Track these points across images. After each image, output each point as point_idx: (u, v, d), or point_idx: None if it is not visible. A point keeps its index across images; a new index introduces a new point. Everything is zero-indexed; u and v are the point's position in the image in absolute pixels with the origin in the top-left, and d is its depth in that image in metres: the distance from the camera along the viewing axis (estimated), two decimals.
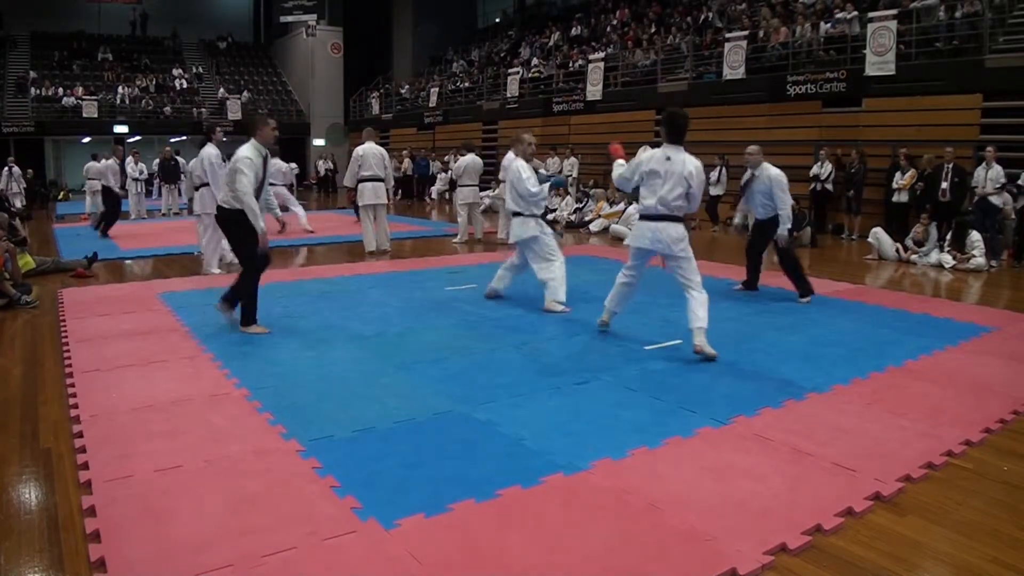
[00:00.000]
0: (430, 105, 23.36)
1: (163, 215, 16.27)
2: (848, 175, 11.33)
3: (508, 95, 19.97)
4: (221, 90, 28.57)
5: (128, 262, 9.42)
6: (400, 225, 13.03)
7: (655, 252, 4.85)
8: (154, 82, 27.99)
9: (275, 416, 3.69)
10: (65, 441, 3.46)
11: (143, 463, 3.14)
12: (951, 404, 3.94)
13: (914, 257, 9.15)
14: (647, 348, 4.98)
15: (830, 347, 5.06)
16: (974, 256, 8.69)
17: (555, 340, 5.25)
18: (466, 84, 22.94)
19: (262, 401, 3.91)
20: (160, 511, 2.73)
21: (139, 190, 15.86)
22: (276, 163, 11.81)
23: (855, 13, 12.61)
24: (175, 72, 29.10)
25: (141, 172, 15.98)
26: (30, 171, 18.94)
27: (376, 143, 9.89)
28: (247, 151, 5.23)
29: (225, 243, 8.20)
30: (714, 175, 12.91)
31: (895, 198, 10.58)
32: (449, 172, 17.71)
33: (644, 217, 4.87)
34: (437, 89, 23.41)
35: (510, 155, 6.41)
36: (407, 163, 21.27)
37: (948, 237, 9.10)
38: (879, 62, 11.55)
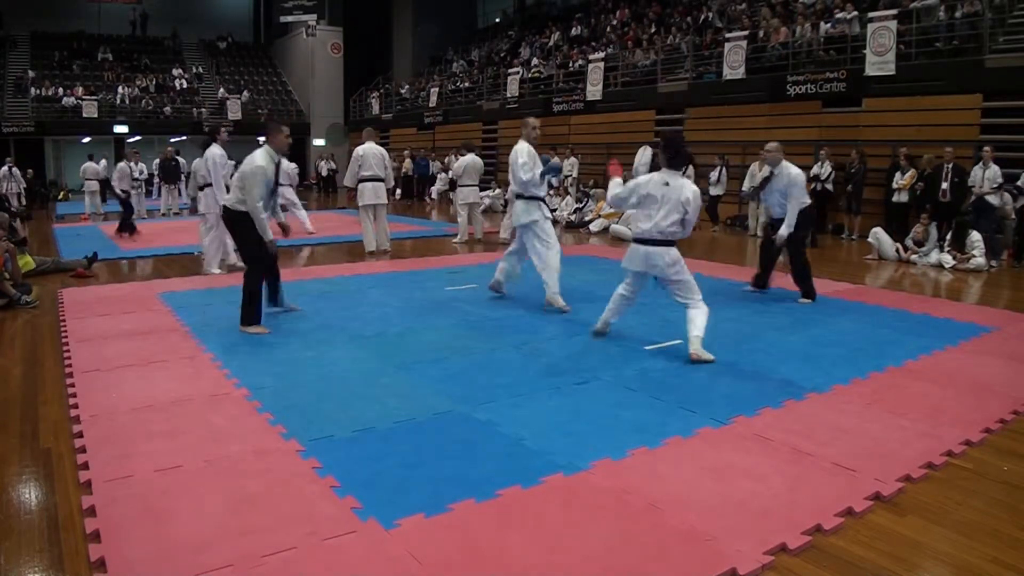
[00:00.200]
0: (430, 105, 23.36)
1: (163, 215, 16.27)
2: (848, 175, 11.32)
3: (508, 95, 19.97)
4: (221, 90, 28.57)
5: (128, 262, 9.42)
6: (400, 225, 13.03)
7: (657, 277, 4.85)
8: (154, 82, 27.99)
9: (275, 416, 3.69)
10: (65, 441, 3.46)
11: (143, 463, 3.14)
12: (951, 404, 3.94)
13: (914, 257, 9.15)
14: (647, 348, 4.98)
15: (830, 347, 5.06)
16: (974, 256, 8.69)
17: (555, 340, 5.25)
18: (466, 84, 22.94)
19: (262, 401, 3.91)
20: (160, 511, 2.73)
21: (139, 190, 15.86)
22: (283, 164, 11.81)
23: (855, 13, 12.61)
24: (175, 72, 29.10)
25: (141, 172, 15.99)
26: (30, 171, 18.94)
27: (376, 143, 9.89)
28: (260, 159, 5.28)
29: (228, 243, 8.25)
30: (714, 175, 12.91)
31: (895, 198, 10.58)
32: (449, 172, 17.71)
33: (638, 240, 4.86)
34: (437, 89, 23.41)
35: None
36: (408, 163, 21.27)
37: (948, 237, 9.10)
38: (879, 62, 11.55)
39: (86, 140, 24.85)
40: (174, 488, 2.92)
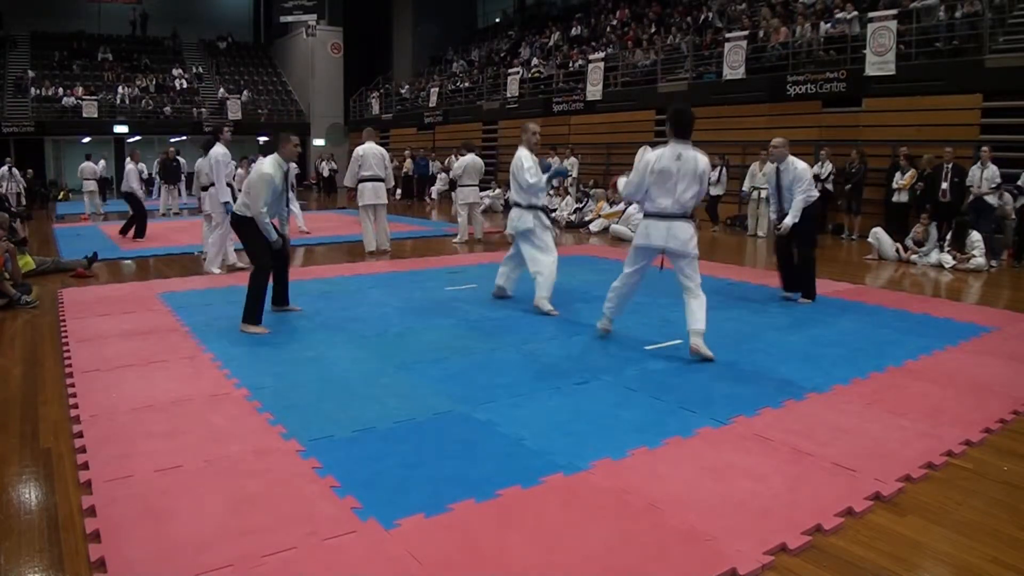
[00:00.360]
0: (430, 105, 23.36)
1: (162, 215, 16.27)
2: (848, 175, 11.32)
3: (508, 95, 19.98)
4: (221, 90, 28.58)
5: (128, 262, 9.42)
6: (400, 225, 13.03)
7: (662, 251, 4.75)
8: (154, 82, 28.00)
9: (275, 416, 3.69)
10: (65, 441, 3.46)
11: (143, 463, 3.14)
12: (951, 404, 3.94)
13: (914, 257, 9.15)
14: (647, 348, 4.98)
15: (830, 347, 5.06)
16: (974, 256, 8.69)
17: (555, 340, 5.25)
18: (466, 84, 22.95)
19: (262, 401, 3.91)
20: (160, 511, 2.73)
21: (123, 194, 15.84)
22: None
23: (855, 13, 12.62)
24: (175, 72, 29.11)
25: (142, 172, 15.97)
26: (30, 171, 18.94)
27: (376, 143, 9.89)
28: (268, 167, 5.35)
29: (228, 243, 8.27)
30: (714, 175, 12.90)
31: (895, 198, 10.58)
32: (450, 172, 17.73)
33: (654, 216, 4.70)
34: (437, 89, 23.41)
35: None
36: (408, 163, 21.28)
37: (948, 237, 9.10)
38: (879, 62, 11.56)
39: (86, 140, 24.87)
40: (174, 488, 2.92)
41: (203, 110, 27.31)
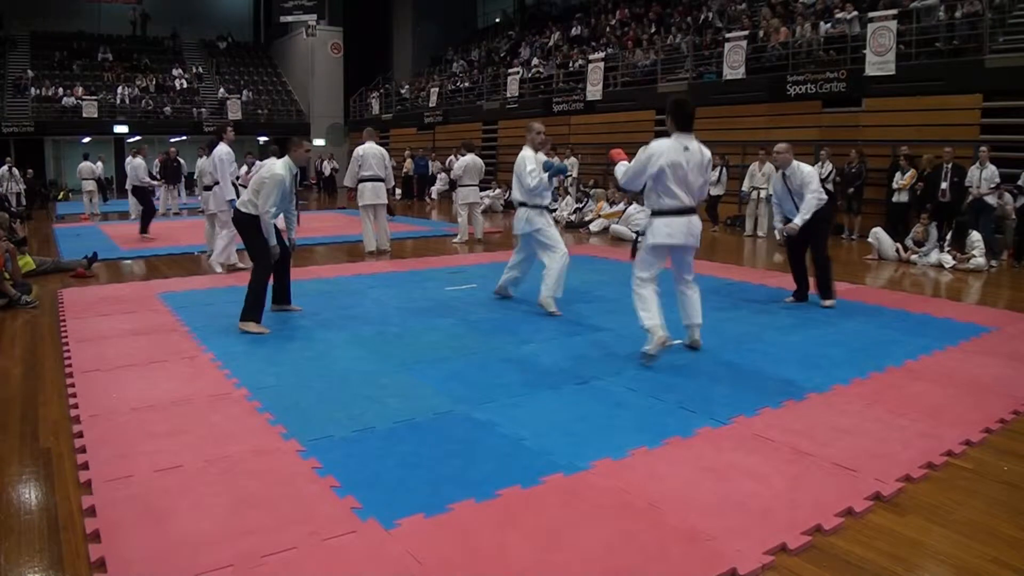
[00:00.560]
0: (430, 105, 23.36)
1: (162, 215, 16.26)
2: (848, 175, 11.32)
3: (508, 95, 19.98)
4: (221, 90, 28.59)
5: (128, 262, 9.42)
6: (400, 225, 13.03)
7: (681, 247, 4.61)
8: (154, 82, 28.00)
9: (275, 416, 3.69)
10: (65, 441, 3.46)
11: (143, 463, 3.14)
12: (951, 404, 3.94)
13: (914, 257, 9.15)
14: (647, 348, 4.97)
15: (830, 347, 5.06)
16: (974, 256, 8.69)
17: (555, 340, 5.25)
18: (466, 84, 22.95)
19: (262, 401, 3.91)
20: (160, 511, 2.73)
21: (131, 187, 15.85)
22: None
23: (855, 13, 12.62)
24: (175, 72, 29.11)
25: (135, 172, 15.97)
26: (30, 171, 18.94)
27: (376, 143, 9.90)
28: (280, 168, 5.41)
29: (232, 245, 8.28)
30: (714, 175, 12.90)
31: (895, 198, 10.58)
32: (450, 173, 17.73)
33: (674, 212, 4.46)
34: (437, 89, 23.41)
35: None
36: (408, 163, 21.28)
37: (948, 237, 9.10)
38: (879, 62, 11.56)
39: (86, 140, 24.87)
40: (174, 488, 2.92)
41: (203, 110, 27.31)
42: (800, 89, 12.85)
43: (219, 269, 8.18)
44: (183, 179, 17.51)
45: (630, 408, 3.86)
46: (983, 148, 9.48)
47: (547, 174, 6.00)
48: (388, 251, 9.86)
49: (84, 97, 25.26)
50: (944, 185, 9.76)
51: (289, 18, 29.13)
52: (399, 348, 5.02)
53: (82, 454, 3.26)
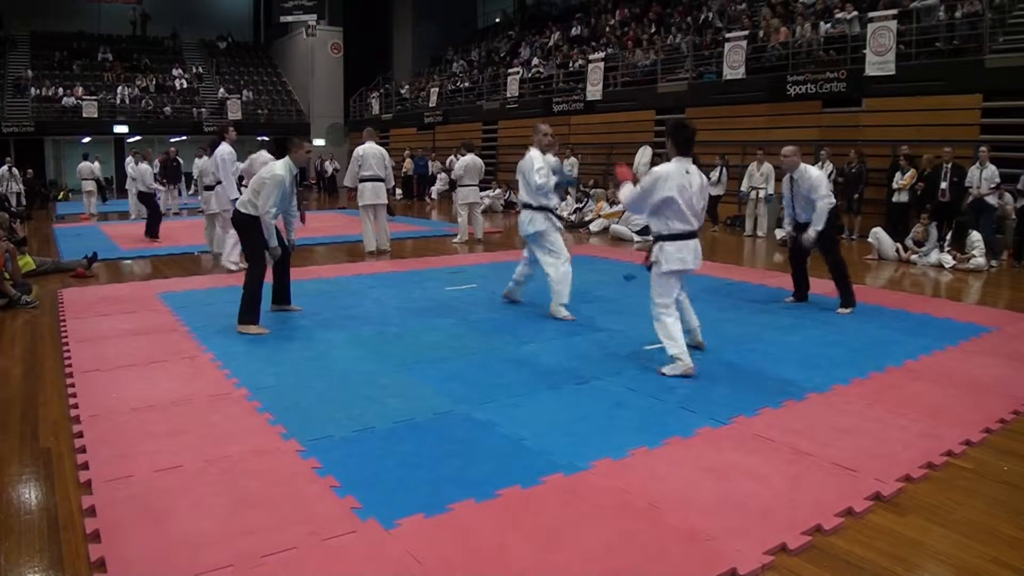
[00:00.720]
0: (430, 105, 23.36)
1: (162, 215, 16.25)
2: (848, 175, 11.31)
3: (508, 95, 19.98)
4: (221, 90, 28.58)
5: (128, 262, 9.42)
6: (400, 225, 13.03)
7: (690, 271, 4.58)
8: (154, 82, 28.00)
9: (275, 416, 3.69)
10: (65, 441, 3.46)
11: (143, 463, 3.14)
12: (951, 404, 3.94)
13: (914, 257, 9.15)
14: (647, 348, 4.97)
15: (830, 347, 5.06)
16: (974, 256, 8.69)
17: (555, 340, 5.25)
18: (466, 84, 22.94)
19: (262, 401, 3.91)
20: (160, 511, 2.73)
21: (137, 193, 15.85)
22: None
23: (855, 13, 12.61)
24: (175, 72, 29.11)
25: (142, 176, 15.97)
26: (30, 171, 18.94)
27: (376, 143, 9.90)
28: (280, 169, 5.42)
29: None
30: (714, 175, 12.90)
31: (895, 198, 10.58)
32: (451, 173, 17.73)
33: (684, 236, 4.43)
34: (437, 89, 23.41)
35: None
36: (408, 163, 21.28)
37: (948, 237, 9.10)
38: (879, 62, 11.56)
39: (86, 140, 24.87)
40: (174, 488, 2.92)
41: (203, 110, 27.31)
42: (800, 89, 12.85)
43: (234, 267, 8.18)
44: (183, 178, 17.50)
45: (630, 408, 3.86)
46: (983, 148, 9.48)
47: (555, 180, 5.84)
48: (388, 251, 9.86)
49: (84, 97, 25.25)
50: (944, 185, 9.75)
51: (289, 18, 29.13)
52: (399, 348, 5.02)
53: (82, 454, 3.26)
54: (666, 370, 4.43)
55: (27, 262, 8.00)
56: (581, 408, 3.86)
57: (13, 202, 15.73)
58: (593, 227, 12.67)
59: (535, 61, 20.80)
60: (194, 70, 29.88)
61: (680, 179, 4.36)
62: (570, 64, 18.74)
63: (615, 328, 5.47)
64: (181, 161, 17.22)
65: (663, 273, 4.48)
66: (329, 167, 25.38)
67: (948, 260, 8.83)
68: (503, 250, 10.36)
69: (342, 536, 2.56)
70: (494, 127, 20.65)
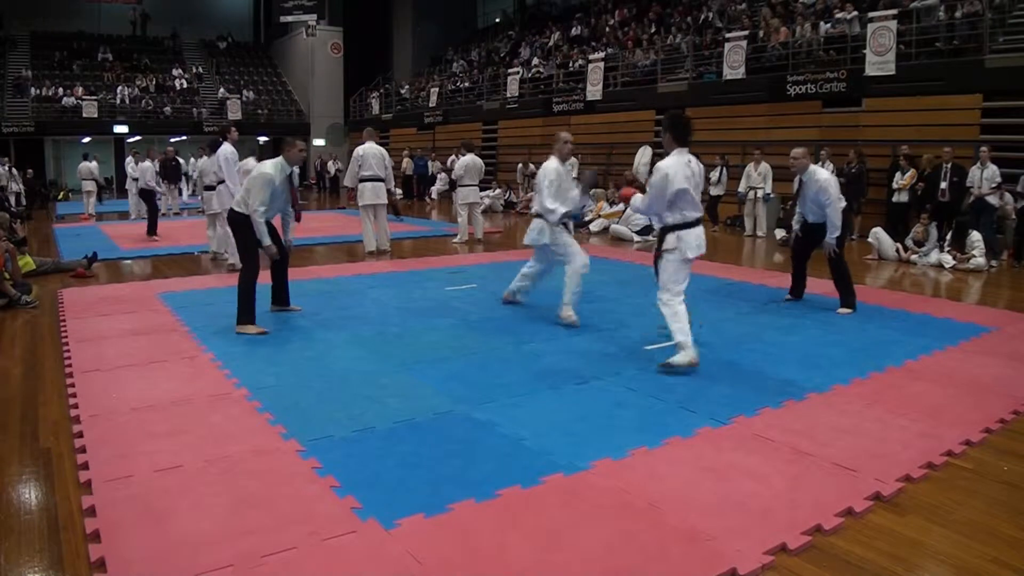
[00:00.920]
0: (430, 105, 23.36)
1: (162, 215, 16.25)
2: (849, 176, 11.30)
3: (508, 95, 19.98)
4: (221, 90, 28.59)
5: (128, 262, 9.42)
6: (400, 225, 13.03)
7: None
8: (154, 82, 28.00)
9: (275, 416, 3.69)
10: (65, 441, 3.46)
11: (143, 463, 3.14)
12: (951, 404, 3.94)
13: (914, 257, 9.15)
14: (647, 348, 4.98)
15: (830, 347, 5.06)
16: (974, 256, 8.68)
17: (555, 340, 5.24)
18: (466, 84, 22.94)
19: (262, 401, 3.91)
20: (160, 511, 2.73)
21: (138, 190, 15.86)
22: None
23: (855, 13, 12.62)
24: (175, 72, 29.11)
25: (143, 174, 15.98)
26: (30, 171, 18.94)
27: (376, 143, 9.90)
28: (269, 167, 5.40)
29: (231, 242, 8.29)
30: (714, 175, 12.91)
31: (895, 198, 10.58)
32: (451, 173, 17.74)
33: (692, 224, 4.56)
34: (437, 89, 23.41)
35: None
36: (407, 163, 21.27)
37: (948, 237, 9.10)
38: (879, 62, 11.56)
39: (86, 140, 24.87)
40: (174, 488, 2.92)
41: (203, 110, 27.31)
42: (800, 89, 12.85)
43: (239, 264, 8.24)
44: (183, 178, 17.51)
45: (630, 408, 3.86)
46: (984, 148, 9.48)
47: (562, 212, 5.59)
48: (388, 251, 9.86)
49: (84, 97, 25.26)
50: (944, 185, 9.75)
51: (289, 18, 29.13)
52: (399, 348, 5.02)
53: (82, 454, 3.26)
54: (673, 360, 4.46)
55: (27, 262, 8.00)
56: (581, 408, 3.86)
57: (13, 202, 15.73)
58: (593, 227, 12.67)
59: (535, 61, 20.80)
60: (194, 70, 29.89)
61: (684, 170, 4.51)
62: (570, 64, 18.74)
63: (615, 328, 5.47)
64: (181, 161, 17.22)
65: (683, 259, 4.58)
66: (332, 167, 25.37)
67: (948, 260, 8.83)
68: (503, 250, 10.36)
69: (342, 536, 2.56)
70: (494, 127, 20.66)
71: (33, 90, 25.28)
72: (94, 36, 29.64)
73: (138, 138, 24.96)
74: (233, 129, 8.58)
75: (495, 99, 20.69)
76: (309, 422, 3.62)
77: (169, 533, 2.57)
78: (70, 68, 27.54)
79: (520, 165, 18.04)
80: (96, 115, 24.99)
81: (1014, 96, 10.17)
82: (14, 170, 16.78)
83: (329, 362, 4.68)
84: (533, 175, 17.37)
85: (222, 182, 8.21)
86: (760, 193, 11.93)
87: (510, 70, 20.50)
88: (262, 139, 28.00)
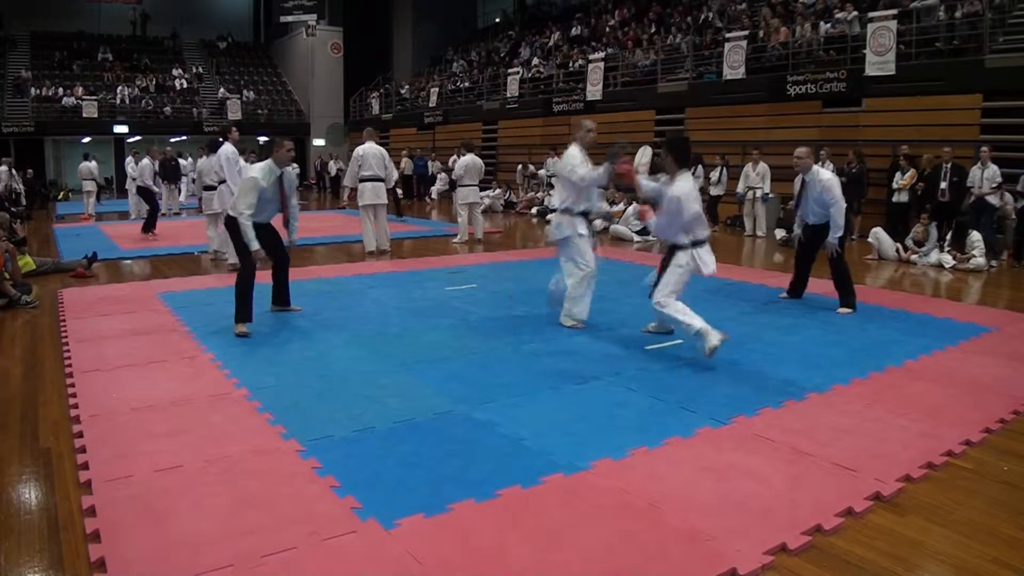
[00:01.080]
0: (430, 105, 23.36)
1: (162, 215, 16.25)
2: (849, 176, 11.30)
3: (508, 95, 19.97)
4: (221, 90, 28.59)
5: (128, 262, 9.42)
6: (400, 225, 13.03)
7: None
8: (154, 82, 28.00)
9: (275, 416, 3.69)
10: (65, 441, 3.46)
11: (143, 463, 3.14)
12: (951, 404, 3.94)
13: (914, 257, 9.15)
14: (647, 348, 4.98)
15: (830, 347, 5.06)
16: (974, 256, 8.68)
17: (555, 340, 5.24)
18: (466, 84, 22.94)
19: (262, 401, 3.91)
20: (160, 511, 2.73)
21: (136, 189, 15.86)
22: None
23: (855, 13, 12.62)
24: (175, 72, 29.11)
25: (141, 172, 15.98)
26: (30, 171, 18.94)
27: (376, 143, 9.90)
28: (257, 171, 5.43)
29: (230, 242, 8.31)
30: (714, 175, 12.91)
31: (895, 198, 10.58)
32: (451, 173, 17.73)
33: (703, 242, 4.85)
34: (437, 89, 23.41)
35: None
36: (406, 163, 21.26)
37: (948, 237, 9.10)
38: (879, 62, 11.56)
39: (86, 140, 24.87)
40: (174, 488, 2.92)
41: (203, 110, 27.31)
42: (800, 89, 12.85)
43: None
44: (182, 178, 17.50)
45: (630, 408, 3.86)
46: (984, 148, 9.48)
47: (601, 167, 5.39)
48: (388, 251, 9.86)
49: (84, 97, 25.26)
50: (944, 185, 9.75)
51: (289, 18, 29.14)
52: (399, 348, 5.02)
53: (82, 454, 3.26)
54: (708, 345, 4.51)
55: (27, 262, 8.00)
56: (581, 408, 3.86)
57: (21, 200, 15.73)
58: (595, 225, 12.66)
59: (535, 61, 20.80)
60: (194, 70, 29.89)
61: (694, 191, 4.75)
62: (570, 64, 18.74)
63: (615, 328, 5.47)
64: (182, 161, 17.22)
65: (696, 275, 4.88)
66: (333, 167, 25.37)
67: (948, 260, 8.83)
68: (503, 250, 10.36)
69: (342, 536, 2.56)
70: (494, 127, 20.65)
71: (33, 90, 25.29)
72: (94, 36, 29.64)
73: (138, 138, 24.96)
74: (234, 129, 8.59)
75: (495, 99, 20.69)
76: (309, 422, 3.62)
77: (169, 533, 2.57)
78: (70, 68, 27.54)
79: (520, 165, 18.04)
80: (96, 115, 24.99)
81: (1014, 96, 10.17)
82: (13, 170, 16.77)
83: (329, 362, 4.68)
84: (533, 175, 17.45)
85: (223, 182, 8.22)
86: (759, 193, 11.93)
87: (510, 70, 20.50)
88: (262, 139, 27.97)
